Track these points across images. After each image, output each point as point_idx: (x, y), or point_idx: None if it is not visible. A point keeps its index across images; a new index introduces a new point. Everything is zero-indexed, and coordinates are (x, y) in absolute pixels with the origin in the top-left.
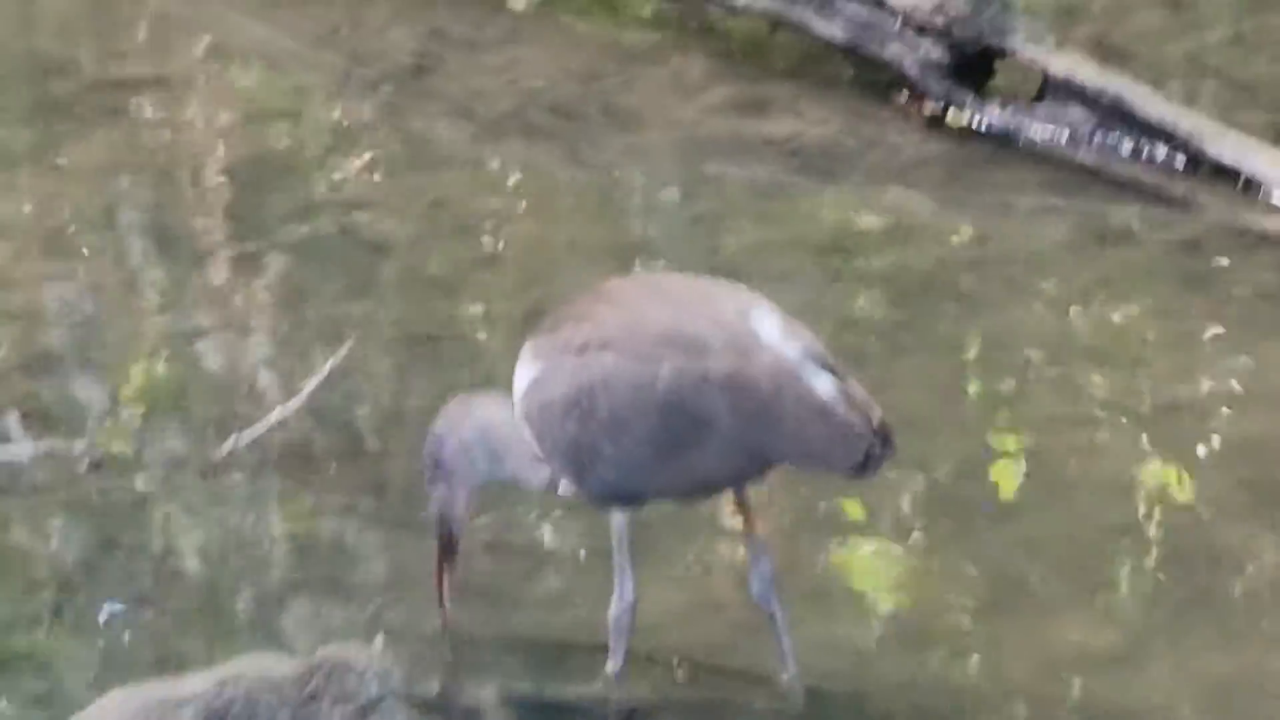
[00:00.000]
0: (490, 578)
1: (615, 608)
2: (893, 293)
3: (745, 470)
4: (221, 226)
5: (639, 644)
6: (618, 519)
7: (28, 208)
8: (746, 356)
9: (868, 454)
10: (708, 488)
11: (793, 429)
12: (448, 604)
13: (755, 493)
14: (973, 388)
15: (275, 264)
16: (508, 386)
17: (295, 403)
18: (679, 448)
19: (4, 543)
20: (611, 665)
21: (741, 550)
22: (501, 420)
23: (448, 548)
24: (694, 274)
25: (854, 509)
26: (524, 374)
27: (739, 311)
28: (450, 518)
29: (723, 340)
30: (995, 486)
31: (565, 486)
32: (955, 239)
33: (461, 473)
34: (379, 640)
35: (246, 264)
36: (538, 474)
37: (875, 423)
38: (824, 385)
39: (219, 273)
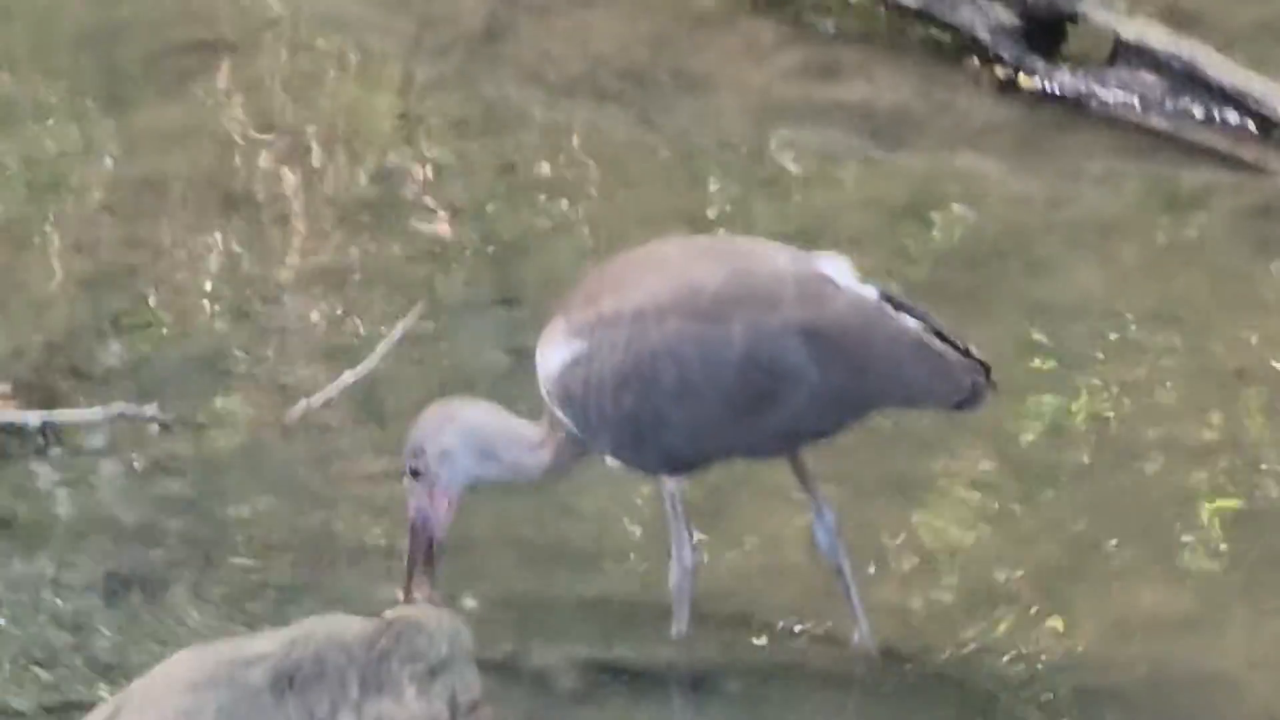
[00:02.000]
0: (560, 540)
1: (675, 573)
2: (964, 257)
3: (840, 420)
4: (291, 191)
5: (709, 607)
6: (671, 485)
7: (98, 172)
8: (824, 302)
9: (972, 386)
10: (794, 443)
11: (890, 370)
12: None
13: (815, 453)
14: (1044, 352)
15: (345, 228)
16: None
17: (366, 366)
18: (760, 407)
19: (76, 505)
20: (676, 629)
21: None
22: (488, 418)
23: (427, 554)
24: (732, 237)
25: (927, 471)
26: (558, 352)
27: (798, 260)
28: (432, 522)
29: (793, 290)
30: (1067, 450)
31: (611, 461)
32: (1026, 203)
33: (446, 477)
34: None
35: (317, 228)
36: (537, 462)
37: (971, 353)
38: (910, 322)
39: (289, 237)
